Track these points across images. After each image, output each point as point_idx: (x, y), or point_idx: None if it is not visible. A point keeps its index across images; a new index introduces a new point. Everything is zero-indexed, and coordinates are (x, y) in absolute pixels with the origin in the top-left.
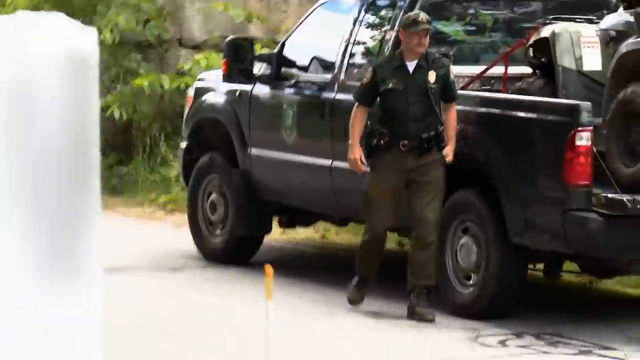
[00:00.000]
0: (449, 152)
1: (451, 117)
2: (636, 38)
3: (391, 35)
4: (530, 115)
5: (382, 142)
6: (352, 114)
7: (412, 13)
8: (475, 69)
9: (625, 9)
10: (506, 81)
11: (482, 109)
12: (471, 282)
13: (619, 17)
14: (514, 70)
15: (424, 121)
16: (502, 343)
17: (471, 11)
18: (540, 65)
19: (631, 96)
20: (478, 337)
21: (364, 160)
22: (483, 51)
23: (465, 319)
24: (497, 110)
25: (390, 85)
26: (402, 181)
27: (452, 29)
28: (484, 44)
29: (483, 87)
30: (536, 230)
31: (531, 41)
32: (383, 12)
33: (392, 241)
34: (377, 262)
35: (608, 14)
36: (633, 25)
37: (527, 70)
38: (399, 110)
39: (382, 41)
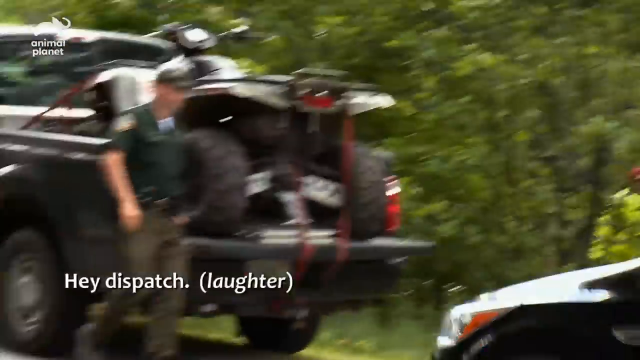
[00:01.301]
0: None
1: None
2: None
3: None
4: (90, 157)
5: (144, 199)
6: (108, 162)
7: (174, 67)
8: (36, 110)
9: (185, 56)
10: (67, 123)
11: (43, 150)
12: (32, 319)
13: (178, 64)
14: (77, 112)
15: (176, 181)
16: None
17: (27, 53)
18: (101, 107)
19: (190, 143)
20: None
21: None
22: (44, 93)
23: (31, 356)
24: (56, 152)
25: (154, 138)
26: (157, 244)
27: (8, 70)
28: (43, 86)
29: (43, 129)
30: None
31: (92, 85)
32: None
33: None
34: None
35: (166, 61)
36: (191, 74)
37: (90, 112)
38: (159, 166)
39: None
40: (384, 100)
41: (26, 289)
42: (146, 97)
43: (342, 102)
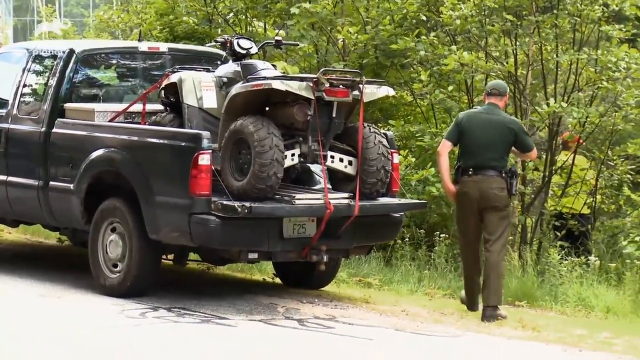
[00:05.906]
0: None
1: None
2: (242, 83)
3: (53, 80)
4: (163, 141)
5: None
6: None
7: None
8: (120, 106)
9: (233, 61)
10: (144, 116)
11: (126, 137)
12: (118, 269)
13: (229, 67)
14: (150, 107)
15: None
16: (143, 315)
17: (115, 61)
18: (170, 103)
19: (239, 127)
20: (124, 310)
21: None
22: (126, 92)
23: (114, 297)
24: (136, 138)
25: None
26: None
27: (101, 74)
28: (126, 87)
29: (126, 120)
30: (168, 229)
31: (163, 85)
32: (46, 62)
33: (53, 238)
34: None
35: (221, 64)
36: (240, 74)
37: (160, 107)
38: None
39: (46, 85)
40: (388, 91)
41: (113, 244)
42: (206, 94)
43: (356, 93)
